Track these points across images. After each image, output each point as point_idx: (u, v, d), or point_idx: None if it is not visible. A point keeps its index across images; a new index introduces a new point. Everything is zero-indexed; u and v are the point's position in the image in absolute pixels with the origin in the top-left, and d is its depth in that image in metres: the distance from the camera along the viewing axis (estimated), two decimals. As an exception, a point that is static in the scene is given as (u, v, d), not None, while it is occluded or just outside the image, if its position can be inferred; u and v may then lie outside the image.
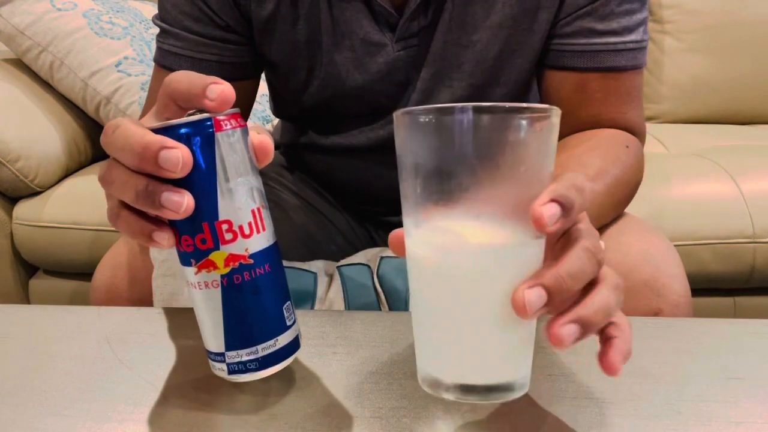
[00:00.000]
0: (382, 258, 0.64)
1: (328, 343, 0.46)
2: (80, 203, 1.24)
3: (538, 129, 0.32)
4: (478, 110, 0.31)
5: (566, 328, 0.31)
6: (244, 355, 0.37)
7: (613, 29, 0.61)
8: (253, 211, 0.36)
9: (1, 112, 1.23)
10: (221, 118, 0.35)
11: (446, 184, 0.32)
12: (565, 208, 0.31)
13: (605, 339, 0.34)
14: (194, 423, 0.38)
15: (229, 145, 0.35)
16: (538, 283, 0.31)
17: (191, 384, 0.41)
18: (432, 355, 0.36)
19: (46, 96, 1.35)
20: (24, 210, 1.25)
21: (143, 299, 0.59)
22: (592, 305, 0.32)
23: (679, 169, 1.26)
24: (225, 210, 0.35)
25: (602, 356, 0.33)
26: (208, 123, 0.34)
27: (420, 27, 0.64)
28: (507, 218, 0.33)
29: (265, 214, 0.37)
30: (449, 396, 0.35)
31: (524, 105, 0.32)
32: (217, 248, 0.35)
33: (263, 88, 0.78)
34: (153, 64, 0.69)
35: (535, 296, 0.31)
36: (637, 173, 0.64)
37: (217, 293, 0.36)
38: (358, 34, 0.64)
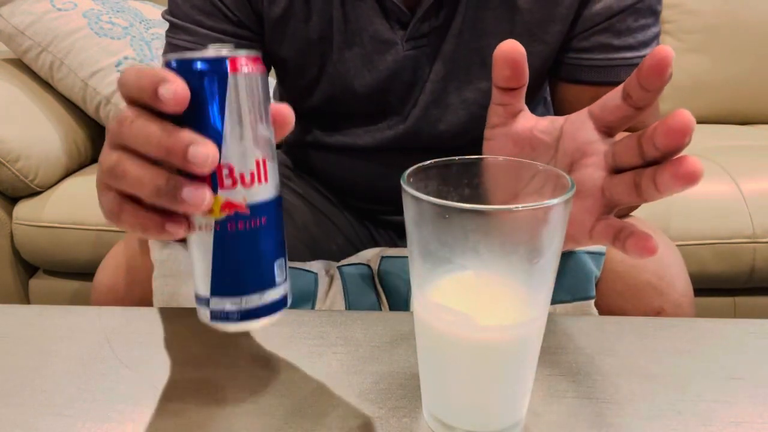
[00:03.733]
0: (382, 258, 0.64)
1: (328, 343, 0.46)
2: (80, 203, 1.24)
3: (548, 221, 0.30)
4: (491, 212, 0.30)
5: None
6: (227, 303, 0.36)
7: (629, 44, 0.61)
8: (257, 161, 0.35)
9: (1, 112, 1.23)
10: (239, 58, 0.33)
11: (452, 264, 0.32)
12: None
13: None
14: (194, 423, 0.38)
15: (243, 88, 0.34)
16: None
17: (191, 384, 0.41)
18: (438, 399, 0.37)
19: (46, 96, 1.35)
20: (24, 210, 1.25)
21: (143, 299, 0.59)
22: None
23: (679, 169, 1.26)
24: (228, 154, 0.34)
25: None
26: (224, 61, 0.33)
27: (431, 28, 0.64)
28: (515, 295, 0.33)
29: (270, 167, 0.36)
30: None
31: (540, 204, 0.30)
32: (214, 192, 0.34)
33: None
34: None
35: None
36: None
37: (209, 237, 0.35)
38: (369, 31, 0.64)
